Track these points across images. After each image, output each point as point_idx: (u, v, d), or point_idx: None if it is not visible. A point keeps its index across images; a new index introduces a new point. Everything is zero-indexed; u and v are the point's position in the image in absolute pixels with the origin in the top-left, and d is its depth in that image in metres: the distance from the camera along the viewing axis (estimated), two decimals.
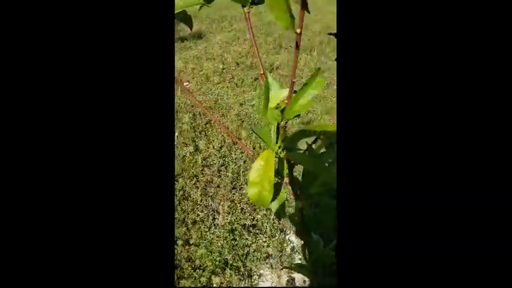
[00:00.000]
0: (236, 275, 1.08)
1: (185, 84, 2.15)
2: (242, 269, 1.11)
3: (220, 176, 1.44)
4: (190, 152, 1.56)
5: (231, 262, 1.11)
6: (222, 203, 1.33)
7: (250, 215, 1.30)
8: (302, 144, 0.35)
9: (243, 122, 1.82)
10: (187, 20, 0.33)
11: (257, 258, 1.15)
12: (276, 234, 1.22)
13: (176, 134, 1.66)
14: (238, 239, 1.19)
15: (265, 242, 1.19)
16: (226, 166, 1.49)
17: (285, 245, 1.20)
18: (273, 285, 1.08)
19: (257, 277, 1.10)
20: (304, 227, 0.40)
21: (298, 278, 1.12)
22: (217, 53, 2.64)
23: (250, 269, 1.11)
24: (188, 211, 1.27)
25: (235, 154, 1.55)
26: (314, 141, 0.41)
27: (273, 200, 0.31)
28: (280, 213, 0.36)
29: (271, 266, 1.13)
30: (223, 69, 2.41)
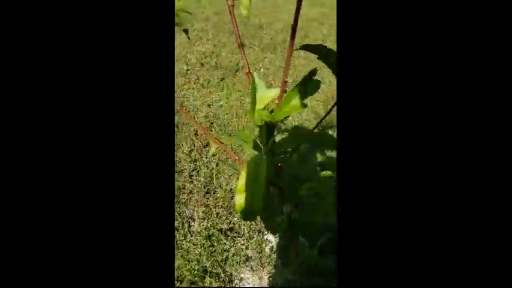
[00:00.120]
0: (216, 281, 1.05)
1: None
2: (222, 275, 1.07)
3: (192, 182, 1.39)
4: None
5: (210, 269, 1.07)
6: (196, 209, 1.28)
7: (226, 218, 1.27)
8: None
9: (212, 123, 1.78)
10: None
11: (237, 262, 1.12)
12: (254, 236, 1.20)
13: None
14: (216, 244, 1.15)
15: (243, 244, 1.17)
16: (198, 170, 1.44)
17: (263, 245, 1.18)
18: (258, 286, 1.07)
19: (238, 281, 1.07)
20: (291, 230, 0.39)
21: (277, 275, 1.11)
22: (180, 54, 2.56)
23: (231, 274, 1.08)
24: None
25: (207, 157, 1.51)
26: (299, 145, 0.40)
27: (263, 208, 0.28)
28: (269, 221, 0.34)
29: (252, 268, 1.11)
30: (188, 70, 2.34)
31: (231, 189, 1.39)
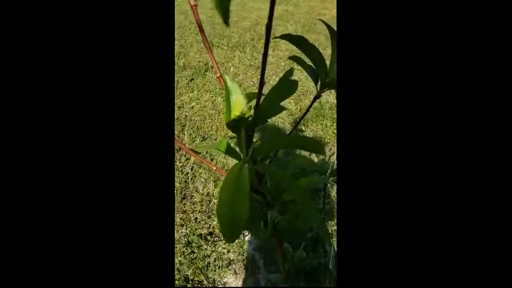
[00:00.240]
0: None
1: None
2: (205, 282, 1.05)
3: None
4: None
5: (192, 277, 1.04)
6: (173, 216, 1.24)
7: (205, 223, 1.24)
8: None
9: (184, 126, 1.73)
10: None
11: (219, 267, 1.10)
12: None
13: None
14: (196, 251, 1.12)
15: (224, 248, 1.15)
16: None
17: (245, 247, 1.17)
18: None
19: (221, 286, 1.05)
20: (276, 236, 0.38)
21: (262, 279, 1.10)
22: None
23: (214, 279, 1.06)
24: None
25: (180, 162, 1.46)
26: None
27: (249, 221, 0.27)
28: (253, 228, 0.33)
29: (235, 271, 1.09)
30: None
31: (208, 193, 1.36)
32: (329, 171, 0.46)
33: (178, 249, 1.12)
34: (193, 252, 1.12)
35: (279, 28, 3.06)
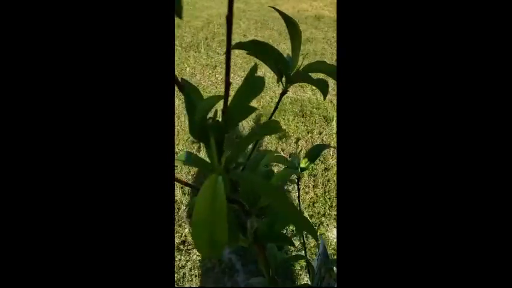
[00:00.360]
0: None
1: None
2: None
3: None
4: None
5: None
6: None
7: (176, 232, 1.19)
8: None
9: None
10: None
11: (195, 276, 1.06)
12: None
13: None
14: None
15: (199, 256, 1.11)
16: None
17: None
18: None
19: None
20: (257, 242, 0.36)
21: (241, 280, 1.08)
22: None
23: None
24: None
25: None
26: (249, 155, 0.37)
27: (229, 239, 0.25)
28: (233, 240, 0.31)
29: (214, 279, 1.06)
30: None
31: (176, 201, 1.31)
32: (300, 165, 0.45)
33: None
34: None
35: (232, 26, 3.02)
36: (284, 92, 0.32)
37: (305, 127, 1.74)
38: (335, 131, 1.71)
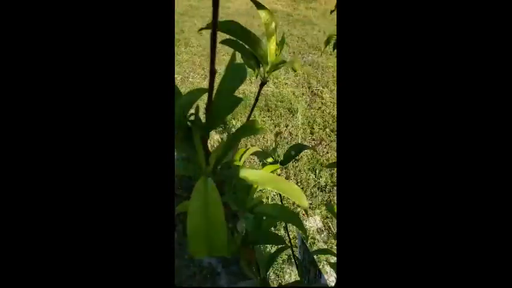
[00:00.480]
0: None
1: None
2: None
3: None
4: None
5: None
6: None
7: None
8: None
9: None
10: None
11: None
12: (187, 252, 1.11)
13: None
14: None
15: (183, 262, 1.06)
16: None
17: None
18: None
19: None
20: (245, 244, 0.34)
21: (224, 283, 1.06)
22: None
23: None
24: None
25: None
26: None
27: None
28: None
29: (198, 284, 1.02)
30: None
31: None
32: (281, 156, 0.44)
33: None
34: None
35: (187, 24, 2.94)
36: (263, 83, 0.30)
37: (271, 121, 1.74)
38: (300, 122, 1.74)
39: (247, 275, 0.39)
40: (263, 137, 1.63)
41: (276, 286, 0.41)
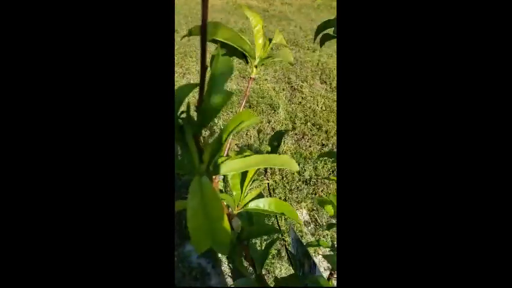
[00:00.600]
0: None
1: None
2: None
3: None
4: None
5: None
6: None
7: None
8: None
9: None
10: None
11: None
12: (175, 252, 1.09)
13: None
14: None
15: None
16: None
17: (190, 258, 1.09)
18: None
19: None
20: (240, 241, 0.34)
21: (215, 283, 1.05)
22: None
23: None
24: None
25: None
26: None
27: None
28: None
29: (186, 286, 1.01)
30: None
31: None
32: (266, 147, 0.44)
33: None
34: None
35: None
36: (253, 78, 0.30)
37: None
38: (282, 118, 1.74)
39: (243, 272, 0.39)
40: (246, 134, 1.63)
41: (274, 285, 0.41)
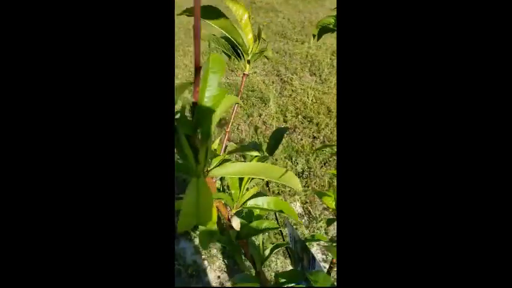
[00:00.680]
0: None
1: None
2: None
3: None
4: None
5: None
6: None
7: None
8: None
9: None
10: None
11: None
12: None
13: None
14: None
15: None
16: None
17: (182, 253, 1.08)
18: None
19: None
20: (239, 238, 0.33)
21: (211, 280, 1.06)
22: None
23: None
24: None
25: None
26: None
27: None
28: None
29: (183, 284, 1.01)
30: None
31: None
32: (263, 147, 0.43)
33: None
34: None
35: None
36: (246, 74, 0.29)
37: (244, 111, 1.73)
38: (273, 111, 1.74)
39: (242, 268, 0.39)
40: (237, 128, 1.62)
41: (275, 281, 0.41)
